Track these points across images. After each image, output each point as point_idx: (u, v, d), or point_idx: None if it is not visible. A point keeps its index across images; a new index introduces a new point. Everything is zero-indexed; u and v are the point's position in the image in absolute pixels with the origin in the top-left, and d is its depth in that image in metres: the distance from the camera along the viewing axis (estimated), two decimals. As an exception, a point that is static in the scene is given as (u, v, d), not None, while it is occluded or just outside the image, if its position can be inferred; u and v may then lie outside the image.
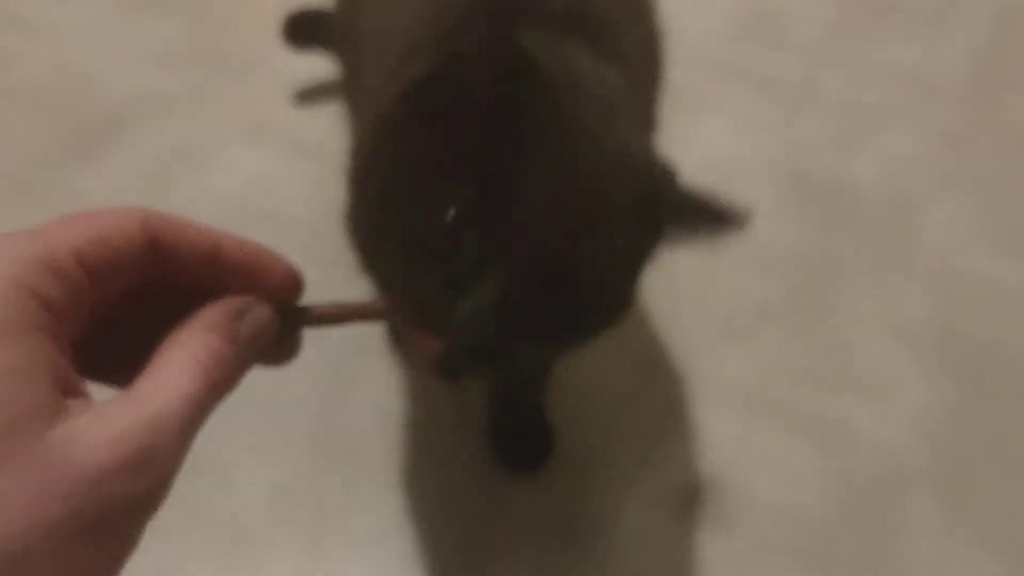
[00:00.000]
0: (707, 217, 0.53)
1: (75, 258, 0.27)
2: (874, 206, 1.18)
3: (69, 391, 0.26)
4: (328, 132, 1.19)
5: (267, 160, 1.17)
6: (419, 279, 0.50)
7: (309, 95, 1.27)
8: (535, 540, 0.82)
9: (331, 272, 1.01)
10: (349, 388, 0.92)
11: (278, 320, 0.33)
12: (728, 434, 0.92)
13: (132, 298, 0.31)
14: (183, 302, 0.31)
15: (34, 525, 0.23)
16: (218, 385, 0.29)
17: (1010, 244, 1.14)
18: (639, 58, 0.74)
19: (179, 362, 0.28)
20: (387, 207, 0.53)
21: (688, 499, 0.86)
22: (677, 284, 1.05)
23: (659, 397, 0.95)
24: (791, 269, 1.09)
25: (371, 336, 0.96)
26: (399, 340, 0.92)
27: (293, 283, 0.34)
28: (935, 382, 0.97)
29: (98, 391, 0.29)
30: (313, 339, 0.96)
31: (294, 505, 0.83)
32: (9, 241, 0.27)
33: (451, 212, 0.48)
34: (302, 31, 1.22)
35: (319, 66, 1.23)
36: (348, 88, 0.95)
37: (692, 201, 0.53)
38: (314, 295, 0.96)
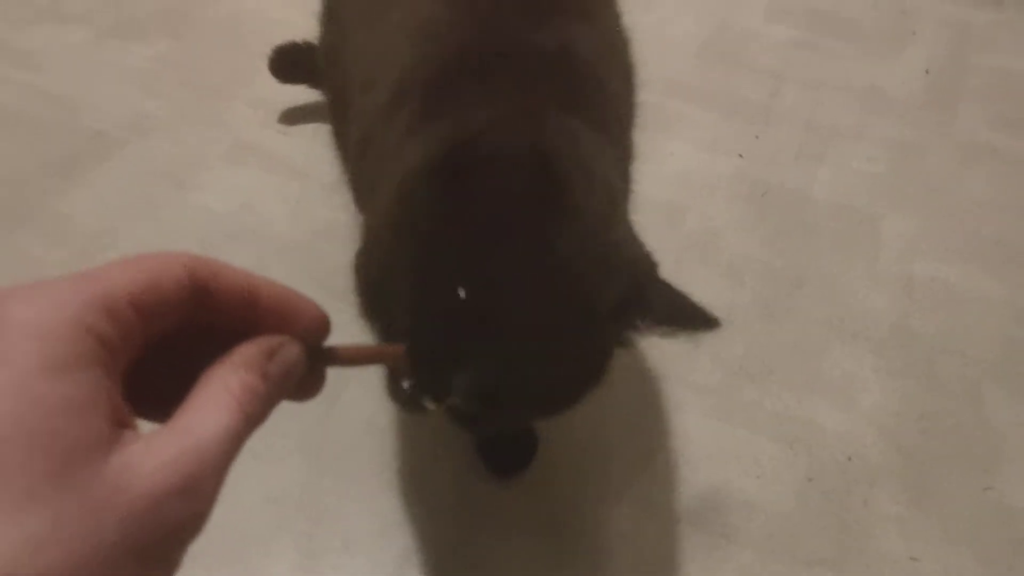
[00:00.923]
0: (684, 320, 0.58)
1: (129, 300, 0.29)
2: (834, 217, 1.23)
3: (122, 423, 0.28)
4: (310, 153, 1.23)
5: (250, 180, 1.20)
6: (421, 345, 0.53)
7: (291, 117, 1.31)
8: (523, 537, 0.86)
9: (314, 288, 1.04)
10: (339, 398, 0.95)
11: (307, 359, 0.35)
12: (700, 435, 0.96)
13: (173, 338, 0.32)
14: (218, 342, 0.33)
15: (95, 549, 0.25)
16: (251, 417, 0.31)
17: (962, 250, 1.19)
18: (621, 95, 0.78)
19: (217, 397, 0.30)
20: (404, 274, 0.57)
21: (663, 497, 0.90)
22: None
23: (634, 402, 0.99)
24: (756, 278, 1.13)
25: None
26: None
27: (322, 325, 0.36)
28: (896, 381, 1.02)
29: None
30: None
31: (289, 511, 0.86)
32: (68, 283, 0.29)
33: (462, 294, 0.53)
34: (288, 65, 1.26)
35: (299, 89, 1.27)
36: (335, 114, 0.98)
37: (672, 305, 0.59)
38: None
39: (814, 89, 1.47)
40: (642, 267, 0.59)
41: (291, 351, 0.34)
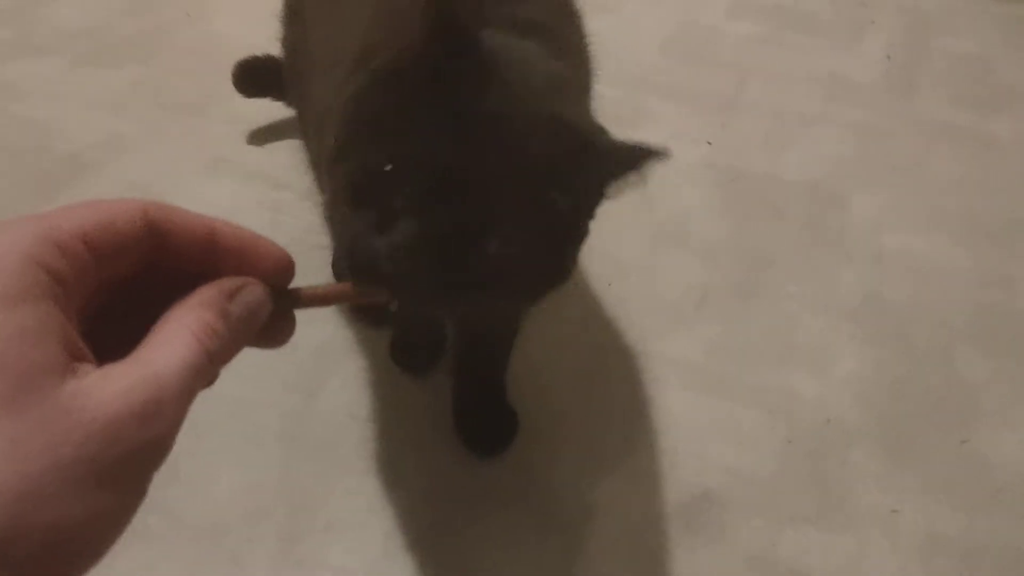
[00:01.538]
0: (634, 160, 0.56)
1: (80, 238, 0.30)
2: (802, 198, 1.25)
3: (77, 356, 0.28)
4: (286, 165, 1.25)
5: (228, 193, 1.22)
6: (355, 221, 0.53)
7: (266, 132, 1.33)
8: (506, 514, 0.86)
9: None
10: (317, 387, 0.96)
11: (272, 300, 0.35)
12: (681, 409, 0.97)
13: (134, 282, 0.33)
14: (181, 287, 0.33)
15: (50, 467, 0.25)
16: (212, 354, 0.31)
17: (929, 223, 1.22)
18: (580, 58, 0.80)
19: (175, 333, 0.31)
20: (340, 158, 0.58)
21: (643, 467, 0.91)
22: (626, 277, 1.11)
23: (615, 380, 1.00)
24: (729, 259, 1.15)
25: (336, 337, 1.00)
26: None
27: (286, 267, 0.36)
28: (869, 348, 1.04)
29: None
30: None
31: (269, 500, 0.86)
32: (18, 222, 0.29)
33: (387, 166, 0.53)
34: (252, 79, 1.28)
35: (274, 106, 1.29)
36: (300, 116, 1.00)
37: (617, 146, 0.57)
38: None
39: (778, 80, 1.50)
40: (588, 127, 0.58)
41: (253, 291, 0.34)
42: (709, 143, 1.34)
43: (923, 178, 1.30)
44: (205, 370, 0.31)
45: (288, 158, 1.24)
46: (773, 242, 1.18)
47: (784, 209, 1.24)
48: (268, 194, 1.21)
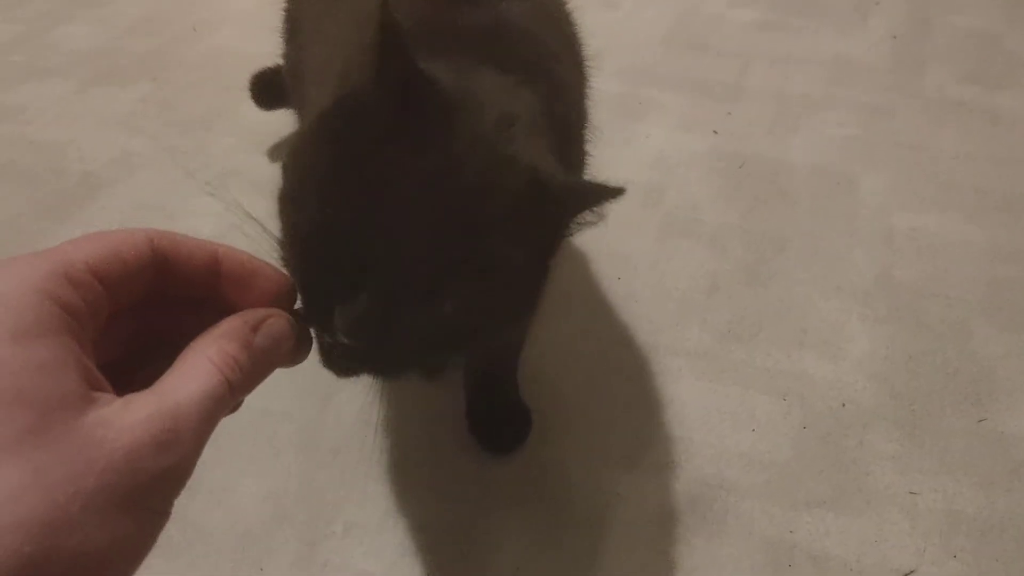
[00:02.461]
0: (588, 196, 0.54)
1: (90, 271, 0.31)
2: (811, 181, 1.25)
3: (96, 386, 0.29)
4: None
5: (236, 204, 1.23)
6: (309, 281, 0.49)
7: (270, 142, 1.34)
8: (522, 510, 0.86)
9: (300, 299, 1.07)
10: (331, 395, 0.97)
11: (296, 328, 0.36)
12: (694, 398, 0.97)
13: (144, 308, 0.34)
14: (192, 316, 0.35)
15: (74, 496, 0.26)
16: (233, 384, 0.32)
17: (939, 200, 1.21)
18: (562, 57, 0.79)
19: (197, 364, 0.32)
20: (288, 211, 0.56)
21: (659, 458, 0.91)
22: (634, 270, 1.11)
23: (626, 374, 1.00)
24: (738, 246, 1.15)
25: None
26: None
27: (287, 291, 0.37)
28: (883, 328, 1.03)
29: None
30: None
31: (290, 506, 0.87)
32: (28, 258, 0.30)
33: (335, 224, 0.50)
34: (268, 90, 1.30)
35: (282, 117, 1.30)
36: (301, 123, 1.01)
37: (572, 186, 0.56)
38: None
39: (782, 65, 1.50)
40: (539, 173, 0.55)
41: (278, 323, 0.36)
42: (715, 132, 1.34)
43: (932, 156, 1.29)
44: (226, 400, 0.32)
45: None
46: (782, 227, 1.17)
47: (792, 194, 1.23)
48: (275, 204, 1.22)
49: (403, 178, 0.50)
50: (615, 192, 0.53)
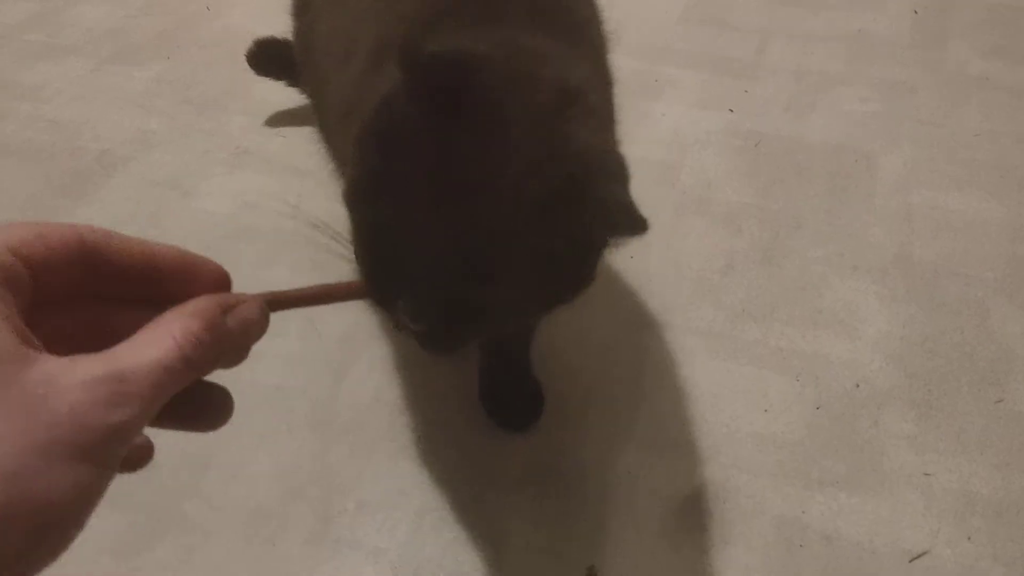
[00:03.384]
0: (617, 225, 0.55)
1: (10, 251, 0.31)
2: (828, 159, 1.24)
3: (31, 345, 0.30)
4: (308, 152, 1.26)
5: (251, 182, 1.23)
6: (375, 274, 0.55)
7: (287, 121, 1.34)
8: (534, 491, 0.86)
9: (316, 278, 1.07)
10: (344, 372, 0.97)
11: (267, 317, 0.36)
12: (708, 378, 0.96)
13: (79, 308, 0.35)
14: (132, 314, 0.34)
15: (29, 448, 0.27)
16: (190, 360, 0.32)
17: (960, 177, 1.19)
18: (592, 22, 0.79)
19: (156, 335, 0.32)
20: (351, 210, 0.59)
21: (672, 437, 0.91)
22: (648, 249, 1.10)
23: (640, 353, 1.00)
24: (754, 225, 1.14)
25: (360, 323, 1.01)
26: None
27: (224, 285, 0.37)
28: (900, 307, 1.02)
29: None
30: (305, 330, 1.01)
31: (303, 483, 0.88)
32: None
33: (392, 220, 0.54)
34: (265, 58, 1.29)
35: (294, 96, 1.30)
36: (315, 106, 1.01)
37: (608, 205, 0.55)
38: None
39: (801, 41, 1.48)
40: (593, 163, 0.56)
41: (250, 308, 0.36)
42: (731, 110, 1.33)
43: (953, 133, 1.27)
44: (180, 374, 0.32)
45: (308, 146, 1.25)
46: (799, 205, 1.16)
47: (809, 171, 1.22)
48: (290, 182, 1.22)
49: (456, 169, 0.53)
50: (640, 227, 0.53)
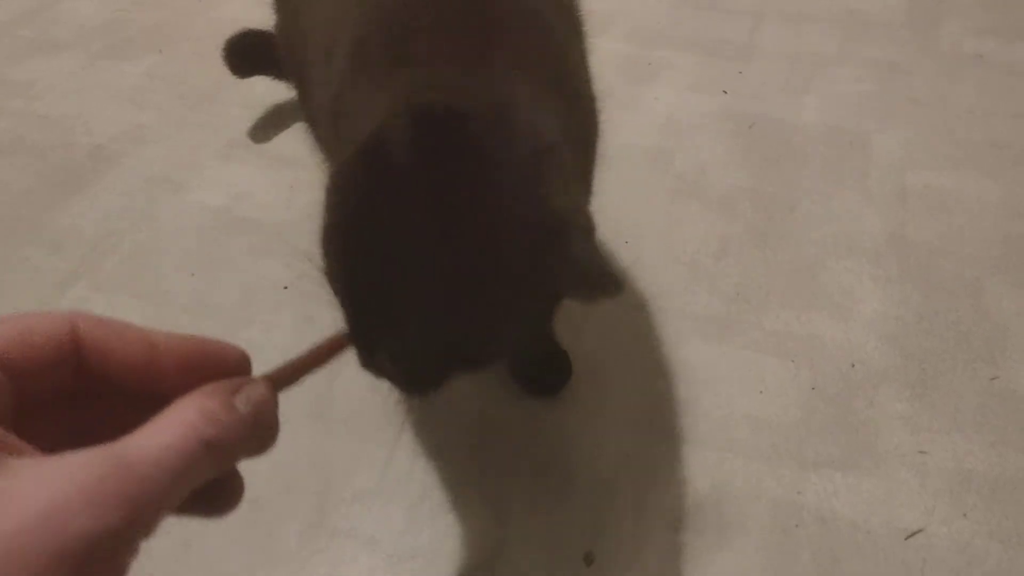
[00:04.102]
0: (591, 282, 0.55)
1: None
2: (822, 140, 1.23)
3: (5, 449, 0.26)
4: (296, 143, 1.26)
5: (244, 174, 1.23)
6: (353, 318, 0.56)
7: (279, 113, 1.34)
8: (530, 480, 0.87)
9: (310, 268, 1.07)
10: (339, 366, 0.96)
11: (275, 397, 0.34)
12: (703, 362, 0.96)
13: (71, 407, 0.31)
14: (131, 414, 0.30)
15: (3, 554, 0.23)
16: (213, 445, 0.29)
17: (954, 156, 1.19)
18: (571, 43, 0.78)
19: (167, 422, 0.28)
20: (327, 251, 0.59)
21: (666, 422, 0.91)
22: (642, 234, 1.10)
23: (635, 337, 1.00)
24: (748, 208, 1.14)
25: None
26: None
27: (242, 366, 0.34)
28: (894, 287, 1.02)
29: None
30: (300, 321, 1.01)
31: (300, 473, 0.88)
32: None
33: (367, 267, 0.55)
34: (243, 56, 1.28)
35: (281, 86, 1.30)
36: (300, 97, 1.00)
37: (584, 264, 0.55)
38: (296, 290, 1.03)
39: (794, 22, 1.47)
40: (564, 222, 0.56)
41: (256, 388, 0.33)
42: (725, 92, 1.32)
43: (947, 112, 1.27)
44: (201, 459, 0.28)
45: (300, 137, 1.25)
46: (793, 188, 1.16)
47: (803, 153, 1.22)
48: (283, 173, 1.22)
49: (433, 218, 0.53)
50: (615, 289, 0.53)
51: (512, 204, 0.54)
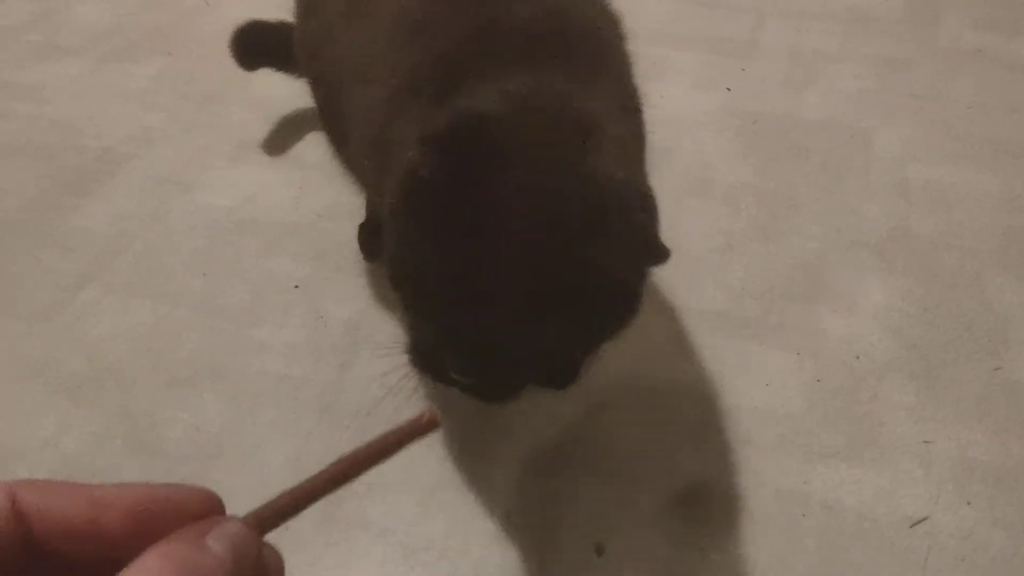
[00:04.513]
0: (638, 252, 0.57)
1: None
2: (824, 136, 1.24)
3: None
4: (309, 143, 1.28)
5: (253, 175, 1.25)
6: (419, 328, 0.59)
7: (288, 113, 1.35)
8: (539, 468, 0.88)
9: (319, 267, 1.09)
10: (349, 360, 0.98)
11: (254, 529, 0.29)
12: (709, 356, 0.97)
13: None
14: None
15: None
16: None
17: (955, 151, 1.20)
18: (615, 45, 0.80)
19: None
20: (394, 267, 0.62)
21: (671, 416, 0.92)
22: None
23: (642, 332, 1.00)
24: (752, 203, 1.15)
25: (365, 310, 1.03)
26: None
27: (215, 510, 0.29)
28: (897, 280, 1.03)
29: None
30: (310, 318, 1.02)
31: (313, 468, 0.88)
32: None
33: (434, 284, 0.57)
34: (251, 50, 1.29)
35: (295, 88, 1.31)
36: (322, 105, 1.01)
37: (632, 232, 0.57)
38: (306, 289, 1.04)
39: (796, 20, 1.48)
40: (609, 192, 0.58)
41: (230, 526, 0.28)
42: (728, 89, 1.33)
43: (947, 106, 1.28)
44: None
45: (309, 137, 1.27)
46: (796, 183, 1.17)
47: (805, 149, 1.23)
48: (291, 174, 1.23)
49: (493, 224, 0.55)
50: (662, 255, 0.56)
51: (556, 187, 0.56)
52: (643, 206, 0.59)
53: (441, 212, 0.56)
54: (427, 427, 0.33)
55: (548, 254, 0.55)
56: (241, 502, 0.90)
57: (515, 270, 0.55)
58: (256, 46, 1.28)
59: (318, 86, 1.01)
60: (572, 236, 0.55)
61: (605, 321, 0.63)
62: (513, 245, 0.55)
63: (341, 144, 0.98)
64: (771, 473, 0.86)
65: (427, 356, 0.57)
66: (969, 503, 0.82)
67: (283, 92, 1.33)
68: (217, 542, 0.26)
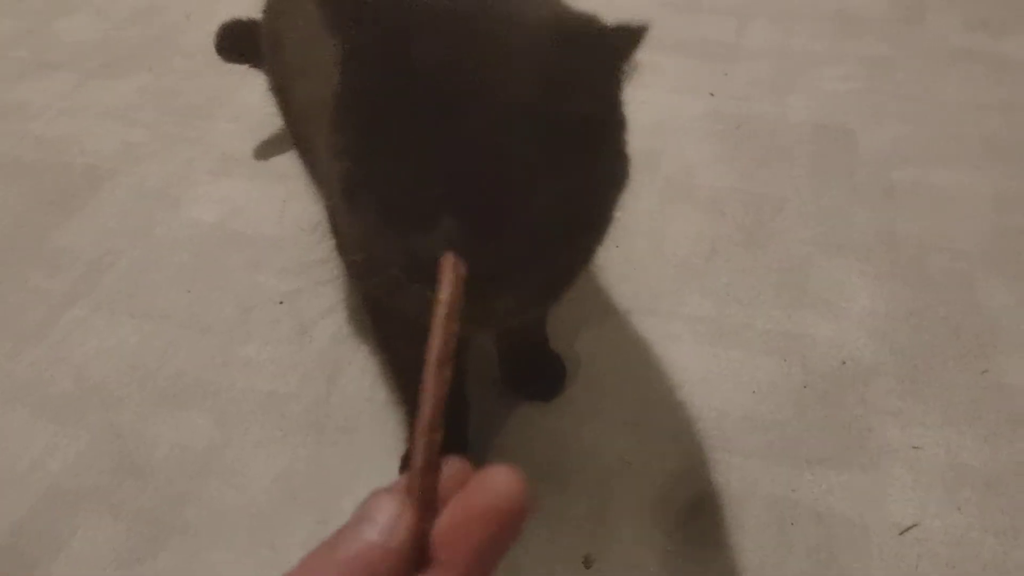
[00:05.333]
0: (628, 38, 0.54)
1: None
2: (810, 139, 1.24)
3: None
4: (287, 158, 1.27)
5: (237, 188, 1.24)
6: (384, 228, 0.51)
7: (270, 127, 1.34)
8: (528, 479, 0.87)
9: (303, 282, 1.08)
10: (335, 375, 0.98)
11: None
12: (695, 363, 0.97)
13: None
14: None
15: None
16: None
17: (943, 151, 1.20)
18: None
19: None
20: (347, 164, 0.54)
21: (663, 424, 0.91)
22: (632, 238, 1.11)
23: (628, 339, 1.00)
24: (737, 208, 1.15)
25: (350, 325, 1.02)
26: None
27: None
28: (884, 284, 1.03)
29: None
30: (296, 334, 1.01)
31: (301, 485, 0.89)
32: None
33: (405, 159, 0.50)
34: (233, 44, 1.28)
35: (271, 100, 1.30)
36: (280, 103, 1.01)
37: (610, 30, 0.54)
38: (291, 304, 1.02)
39: (781, 22, 1.48)
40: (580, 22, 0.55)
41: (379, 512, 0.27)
42: (711, 94, 1.33)
43: (935, 106, 1.28)
44: None
45: (292, 150, 1.26)
46: (781, 187, 1.17)
47: (791, 152, 1.22)
48: (275, 186, 1.23)
49: (450, 93, 0.49)
50: (642, 30, 0.53)
51: (511, 40, 0.52)
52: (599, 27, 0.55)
53: (377, 88, 0.51)
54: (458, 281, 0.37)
55: (529, 96, 0.50)
56: (229, 521, 0.90)
57: (499, 132, 0.50)
58: (238, 43, 1.28)
59: (276, 87, 1.01)
60: (550, 75, 0.51)
61: (584, 224, 0.58)
62: (488, 104, 0.50)
63: (305, 151, 0.97)
64: (760, 481, 0.85)
65: (400, 231, 0.50)
66: (959, 509, 0.82)
67: (266, 105, 1.32)
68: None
